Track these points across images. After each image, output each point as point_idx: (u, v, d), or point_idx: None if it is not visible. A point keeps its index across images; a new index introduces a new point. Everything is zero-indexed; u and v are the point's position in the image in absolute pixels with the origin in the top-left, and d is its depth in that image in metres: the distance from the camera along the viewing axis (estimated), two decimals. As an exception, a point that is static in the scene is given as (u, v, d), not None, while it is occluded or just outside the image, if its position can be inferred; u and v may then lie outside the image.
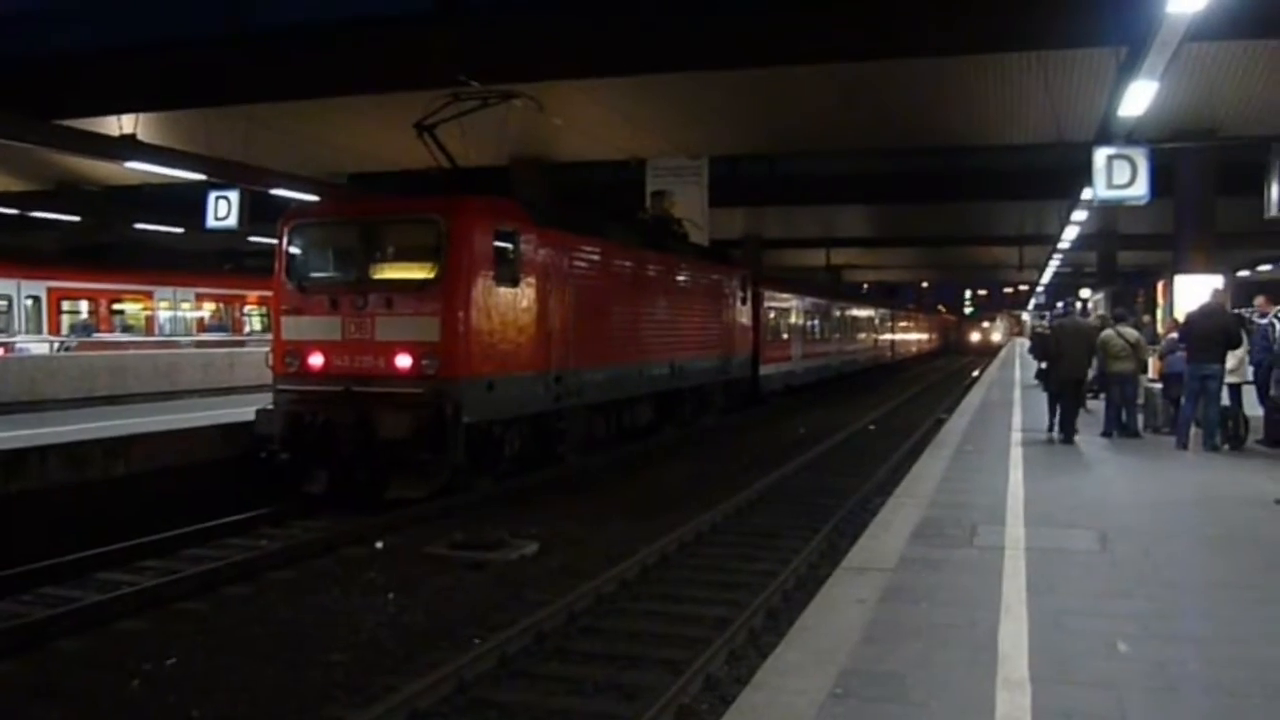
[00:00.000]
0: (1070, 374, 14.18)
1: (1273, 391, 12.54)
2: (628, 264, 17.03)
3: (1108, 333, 14.35)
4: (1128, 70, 11.50)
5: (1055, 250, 37.43)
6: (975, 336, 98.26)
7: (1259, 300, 13.54)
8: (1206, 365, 12.55)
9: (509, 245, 12.96)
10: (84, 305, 25.01)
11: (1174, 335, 14.43)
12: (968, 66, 17.12)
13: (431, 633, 7.74)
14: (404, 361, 11.98)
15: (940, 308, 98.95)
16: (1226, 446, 12.82)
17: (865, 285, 68.25)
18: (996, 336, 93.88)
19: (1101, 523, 8.40)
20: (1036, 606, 5.93)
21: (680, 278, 19.55)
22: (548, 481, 14.01)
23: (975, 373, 39.21)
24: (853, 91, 19.12)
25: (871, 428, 22.41)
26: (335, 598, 8.74)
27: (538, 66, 16.86)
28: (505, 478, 13.41)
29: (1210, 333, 12.61)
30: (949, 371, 51.05)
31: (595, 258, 15.61)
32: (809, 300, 32.72)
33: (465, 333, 12.15)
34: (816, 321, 33.79)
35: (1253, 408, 13.28)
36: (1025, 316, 79.83)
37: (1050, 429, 14.20)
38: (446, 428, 11.69)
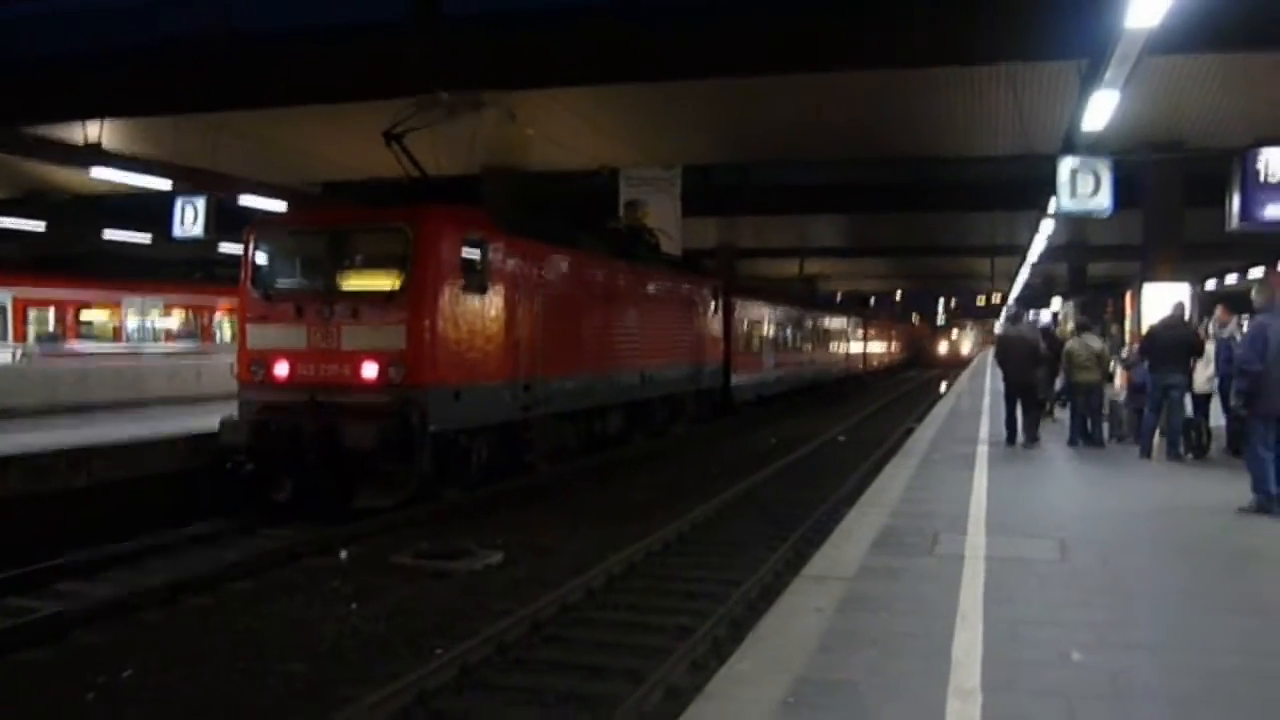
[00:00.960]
0: (1015, 380, 14.35)
1: (1232, 402, 12.65)
2: (598, 273, 17.04)
3: (1072, 343, 14.50)
4: (1089, 83, 11.62)
5: (1024, 261, 37.67)
6: (942, 348, 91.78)
7: (1218, 310, 13.68)
8: (1169, 375, 12.69)
9: (476, 254, 12.94)
10: (51, 313, 24.77)
11: (1138, 346, 14.57)
12: (936, 77, 17.19)
13: (393, 642, 7.70)
14: (370, 370, 11.94)
15: (915, 317, 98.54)
16: (1190, 456, 12.93)
17: (839, 295, 68.38)
18: (966, 348, 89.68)
19: (1062, 531, 8.44)
20: (993, 615, 5.94)
21: (651, 287, 19.59)
22: (516, 491, 13.96)
23: (943, 386, 39.37)
24: (823, 101, 19.19)
25: (841, 438, 22.48)
26: (297, 607, 8.67)
27: (510, 76, 16.81)
28: (473, 487, 13.36)
29: (1173, 344, 12.76)
30: (921, 381, 51.28)
31: (565, 267, 15.62)
32: (781, 310, 32.83)
33: (431, 341, 12.12)
34: (789, 331, 33.90)
35: (1217, 418, 13.40)
36: (997, 327, 79.51)
37: (1008, 439, 14.31)
38: (413, 437, 11.65)
